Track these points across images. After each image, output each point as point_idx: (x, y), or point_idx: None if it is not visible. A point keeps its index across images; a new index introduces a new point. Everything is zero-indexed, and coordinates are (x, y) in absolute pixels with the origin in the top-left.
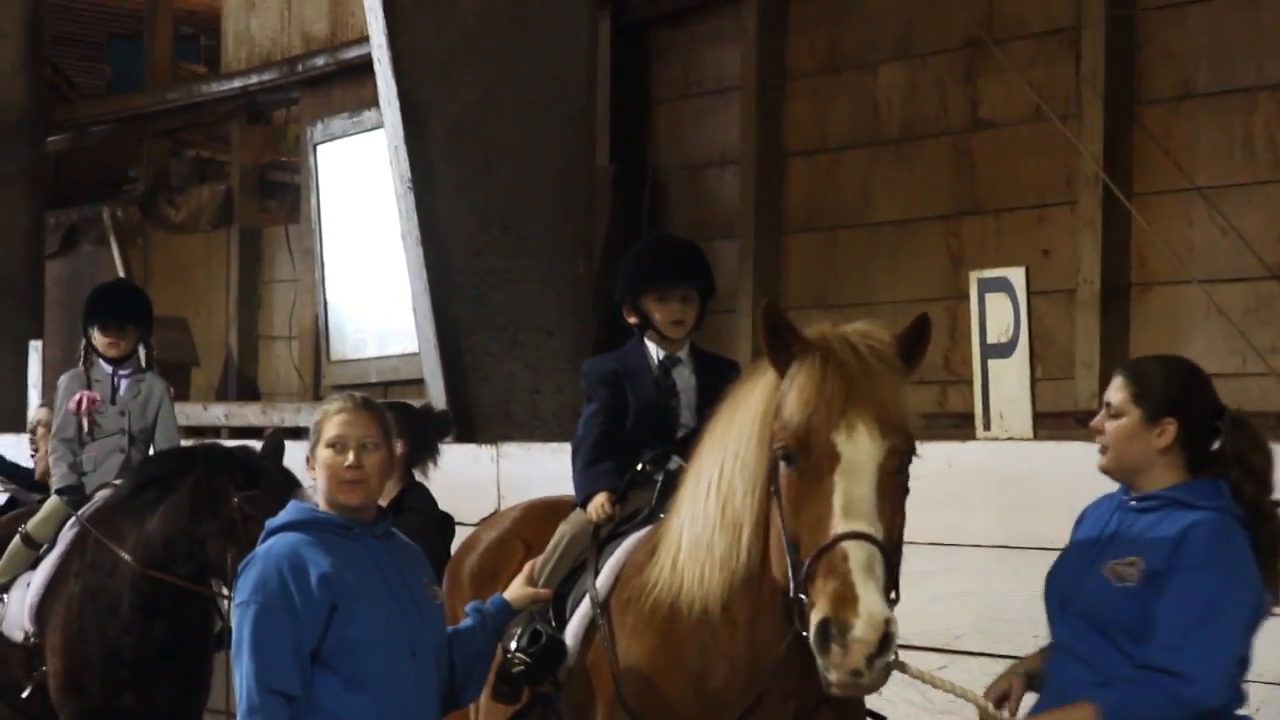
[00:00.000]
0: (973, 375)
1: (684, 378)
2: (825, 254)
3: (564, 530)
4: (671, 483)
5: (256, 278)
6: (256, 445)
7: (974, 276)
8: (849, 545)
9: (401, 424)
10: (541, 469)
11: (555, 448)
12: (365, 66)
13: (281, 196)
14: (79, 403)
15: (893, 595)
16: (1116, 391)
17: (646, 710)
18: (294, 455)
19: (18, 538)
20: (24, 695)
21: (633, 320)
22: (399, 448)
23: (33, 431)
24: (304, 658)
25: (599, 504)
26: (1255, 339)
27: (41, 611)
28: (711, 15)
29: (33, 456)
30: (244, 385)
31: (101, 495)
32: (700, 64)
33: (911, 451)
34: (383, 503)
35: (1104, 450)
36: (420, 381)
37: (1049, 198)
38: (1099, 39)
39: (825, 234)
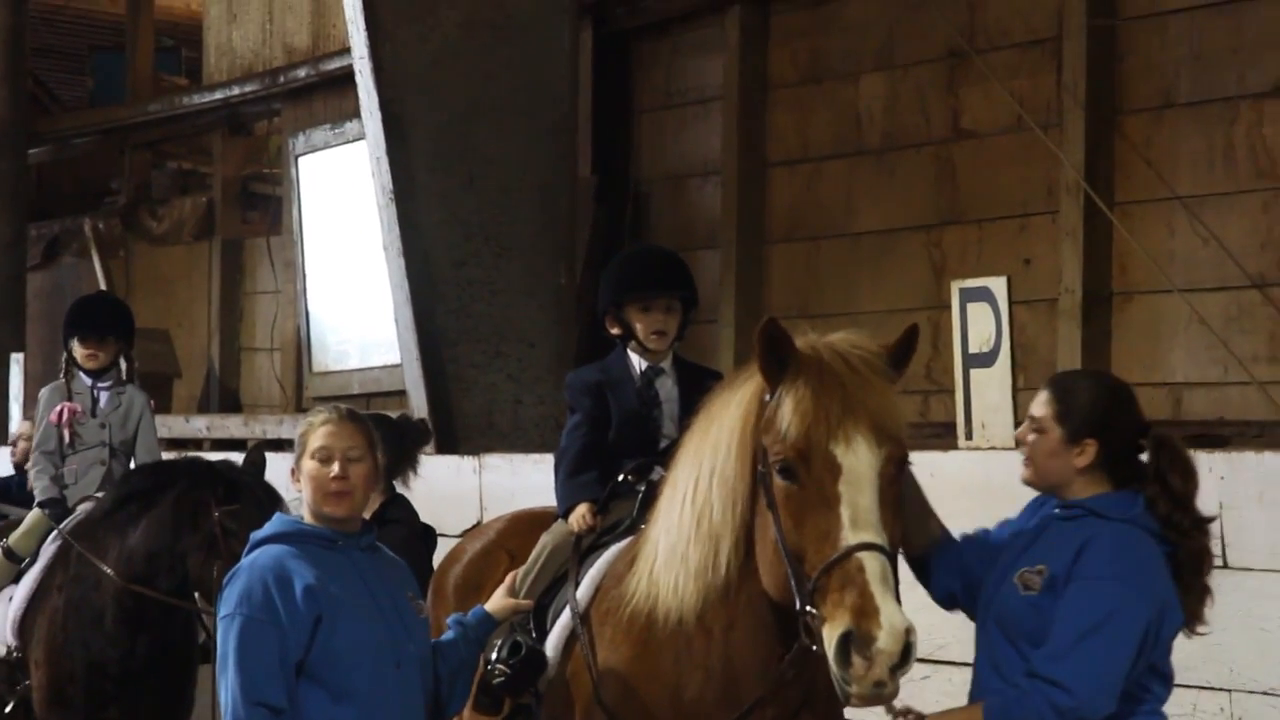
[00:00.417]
0: (955, 385)
1: (667, 388)
2: (807, 264)
3: (546, 541)
4: (653, 493)
5: (238, 289)
6: (238, 457)
7: (956, 286)
8: (863, 556)
9: (379, 435)
10: (524, 480)
11: (538, 459)
12: (347, 78)
13: (263, 208)
14: (60, 414)
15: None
16: (1041, 407)
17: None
18: (276, 467)
19: None
20: (7, 709)
21: (615, 331)
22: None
23: (14, 444)
24: (289, 670)
25: (580, 515)
26: (1236, 348)
27: (25, 625)
28: (693, 26)
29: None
30: (226, 397)
31: (83, 508)
32: (682, 74)
33: (905, 459)
34: (366, 515)
35: (1027, 463)
36: (403, 393)
37: (1030, 207)
38: (1080, 49)
39: (807, 244)
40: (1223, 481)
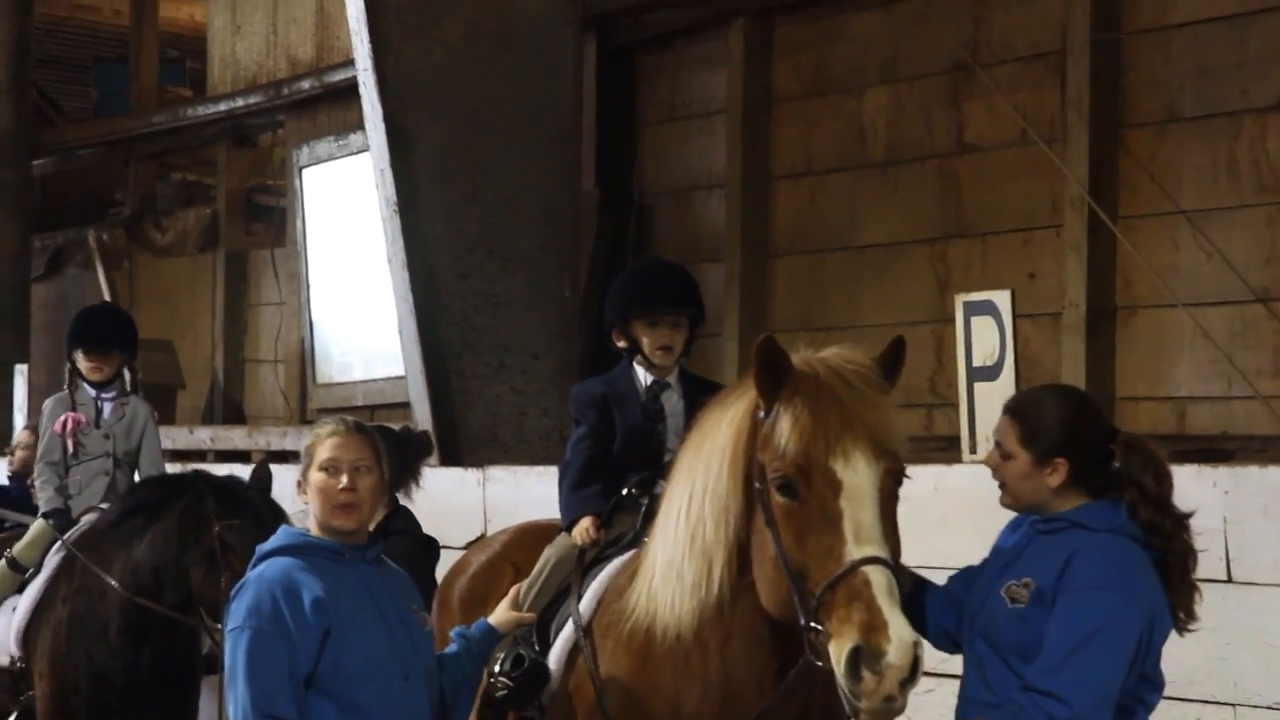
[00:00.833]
0: (959, 398)
1: (672, 402)
2: (811, 277)
3: (549, 554)
4: (656, 507)
5: (242, 301)
6: (243, 469)
7: (960, 300)
8: (869, 570)
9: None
10: (528, 492)
11: (541, 471)
12: (351, 90)
13: (267, 220)
14: (64, 425)
15: None
16: (1004, 432)
17: None
18: (281, 479)
19: (3, 562)
20: None
21: (621, 345)
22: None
23: (11, 453)
24: (298, 682)
25: (583, 528)
26: (1240, 362)
27: (29, 636)
28: (697, 39)
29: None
30: (230, 408)
31: (88, 519)
32: (686, 87)
33: (903, 473)
34: (370, 528)
35: (1002, 488)
36: (407, 405)
37: (1034, 221)
38: (1084, 63)
39: (811, 257)
40: (1227, 496)
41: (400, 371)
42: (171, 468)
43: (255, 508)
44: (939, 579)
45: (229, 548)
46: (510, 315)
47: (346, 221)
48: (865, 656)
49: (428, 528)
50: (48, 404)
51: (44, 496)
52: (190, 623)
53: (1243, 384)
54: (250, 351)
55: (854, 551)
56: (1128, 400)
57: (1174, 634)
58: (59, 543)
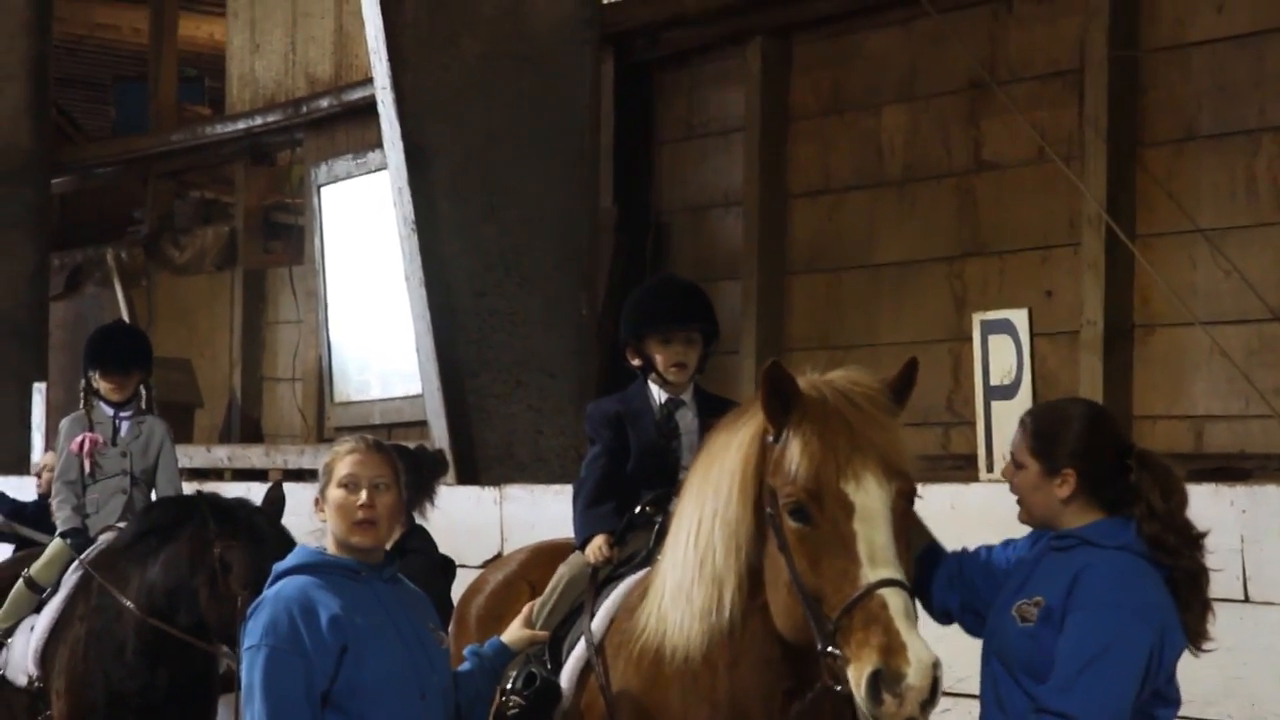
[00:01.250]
0: (976, 417)
1: (687, 420)
2: (828, 295)
3: (562, 572)
4: (669, 525)
5: (260, 319)
6: (260, 487)
7: (977, 318)
8: (886, 593)
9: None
10: (544, 511)
11: (558, 489)
12: (369, 108)
13: (285, 238)
14: (81, 444)
15: None
16: (1017, 443)
17: None
18: (297, 497)
19: (21, 581)
20: None
21: (636, 362)
22: None
23: (38, 475)
24: (315, 700)
25: (597, 546)
26: (1258, 381)
27: (46, 655)
28: (715, 57)
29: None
30: (247, 427)
31: (104, 539)
32: (704, 105)
33: (914, 492)
34: (387, 546)
35: (1019, 502)
36: (424, 423)
37: (1052, 239)
38: (1102, 81)
39: (828, 275)
40: (1244, 515)
41: (418, 390)
42: (189, 486)
43: (254, 528)
44: None
45: (228, 568)
46: (527, 333)
47: (364, 240)
48: (885, 679)
49: (445, 546)
50: (64, 423)
51: (61, 516)
52: (201, 647)
53: (1260, 403)
54: (268, 370)
55: (869, 574)
56: (1145, 419)
57: (1191, 653)
58: (76, 562)
